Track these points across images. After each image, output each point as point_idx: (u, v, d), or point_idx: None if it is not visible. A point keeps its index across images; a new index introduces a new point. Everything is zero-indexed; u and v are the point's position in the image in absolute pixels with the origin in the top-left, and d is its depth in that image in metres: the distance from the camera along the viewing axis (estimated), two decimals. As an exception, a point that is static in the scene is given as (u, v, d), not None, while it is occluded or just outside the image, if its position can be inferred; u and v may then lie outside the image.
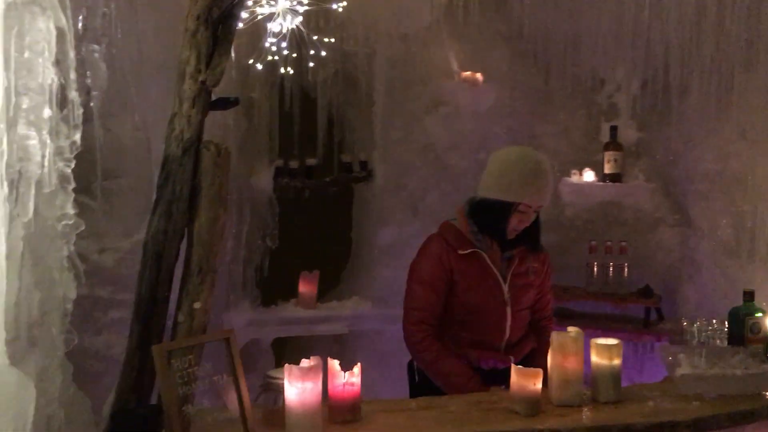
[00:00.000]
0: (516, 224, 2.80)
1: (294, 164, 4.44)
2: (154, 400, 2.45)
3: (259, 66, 3.00)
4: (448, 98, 4.54)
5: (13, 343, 1.77)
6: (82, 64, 2.10)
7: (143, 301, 2.37)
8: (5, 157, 1.69)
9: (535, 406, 2.42)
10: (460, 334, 2.87)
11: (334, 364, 2.55)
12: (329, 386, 2.45)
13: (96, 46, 2.28)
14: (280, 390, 2.53)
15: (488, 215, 2.80)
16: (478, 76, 4.51)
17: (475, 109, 4.55)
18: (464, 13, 4.37)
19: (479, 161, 4.54)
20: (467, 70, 4.50)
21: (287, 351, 4.46)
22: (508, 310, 2.88)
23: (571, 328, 2.55)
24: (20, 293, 1.84)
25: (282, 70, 3.30)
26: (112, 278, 3.37)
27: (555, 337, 2.51)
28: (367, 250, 4.69)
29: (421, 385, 2.94)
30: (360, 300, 4.58)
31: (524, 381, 2.42)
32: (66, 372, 2.11)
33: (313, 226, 4.59)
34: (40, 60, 1.76)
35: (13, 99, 1.69)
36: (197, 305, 2.39)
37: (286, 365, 2.52)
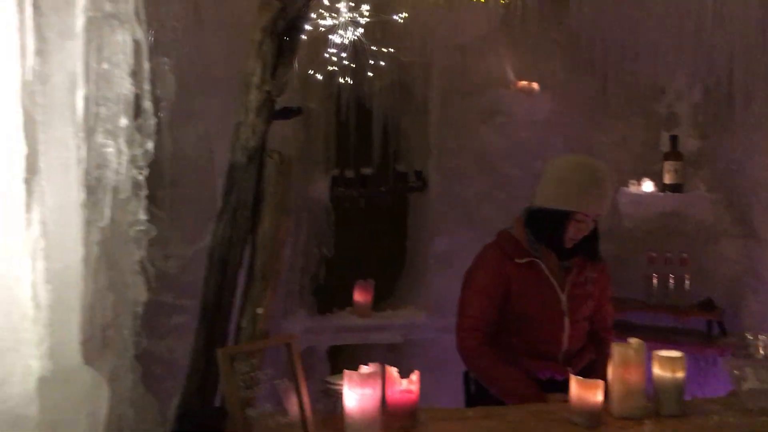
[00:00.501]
0: (573, 233, 2.77)
1: (350, 173, 4.49)
2: (216, 403, 2.50)
3: (320, 76, 3.05)
4: (504, 107, 4.53)
5: (87, 344, 1.84)
6: (152, 76, 2.17)
7: (208, 305, 2.43)
8: (84, 165, 1.76)
9: (595, 418, 2.38)
10: (517, 344, 2.85)
11: (392, 371, 2.57)
12: (387, 393, 2.46)
13: (165, 59, 2.37)
14: (338, 396, 2.56)
15: (545, 224, 2.78)
16: (534, 85, 4.49)
17: (531, 119, 4.52)
18: (520, 22, 4.35)
19: (535, 171, 4.49)
20: (523, 80, 4.48)
21: (342, 359, 4.49)
22: (566, 320, 2.85)
23: (632, 340, 2.50)
24: (95, 295, 1.91)
25: (341, 81, 3.35)
26: (175, 284, 3.47)
27: (616, 348, 2.47)
28: (421, 259, 4.70)
29: (478, 396, 2.92)
30: (414, 309, 4.58)
31: (585, 392, 2.38)
32: (135, 373, 2.18)
33: (368, 235, 4.63)
34: (117, 71, 1.84)
35: (93, 108, 1.77)
36: (260, 310, 2.44)
37: (346, 371, 2.55)
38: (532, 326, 2.84)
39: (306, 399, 2.41)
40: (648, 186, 4.59)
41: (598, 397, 2.36)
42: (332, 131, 4.47)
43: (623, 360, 2.44)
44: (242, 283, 2.52)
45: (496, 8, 4.14)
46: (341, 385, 2.57)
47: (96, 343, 1.93)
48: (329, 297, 4.59)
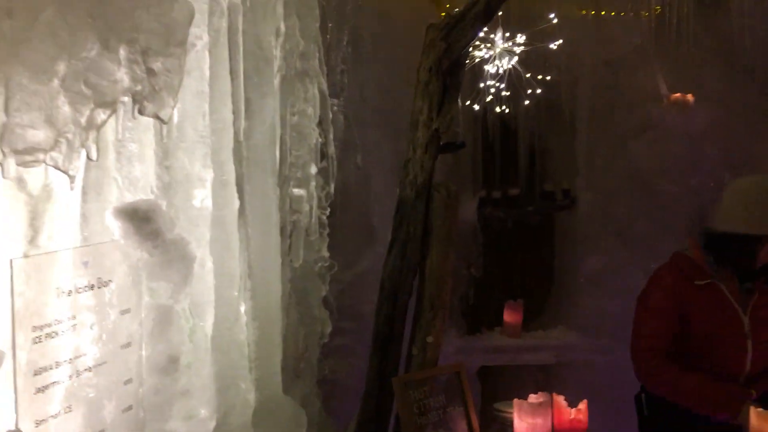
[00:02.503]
0: (764, 257, 2.66)
1: (497, 194, 4.51)
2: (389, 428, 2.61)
3: (476, 107, 3.11)
4: (656, 122, 4.38)
5: (283, 375, 1.99)
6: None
7: (381, 334, 2.54)
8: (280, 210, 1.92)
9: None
10: (697, 366, 2.77)
11: (561, 399, 2.57)
12: (555, 421, 2.46)
13: (335, 100, 2.51)
14: (506, 423, 2.59)
15: (733, 249, 2.68)
16: (689, 97, 4.32)
17: (686, 132, 4.34)
18: (671, 32, 4.21)
19: (691, 186, 4.33)
20: (677, 92, 4.32)
21: (491, 379, 4.50)
22: (749, 343, 2.73)
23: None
24: (288, 329, 2.07)
25: (497, 109, 3.40)
26: (336, 307, 3.63)
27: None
28: (571, 278, 4.63)
29: (652, 419, 2.85)
30: (565, 329, 4.51)
31: (765, 426, 2.28)
32: (319, 399, 2.32)
33: (516, 255, 4.62)
34: (307, 122, 1.98)
35: (288, 159, 1.93)
36: (430, 339, 2.52)
37: (516, 400, 2.58)
38: (713, 349, 2.74)
39: (476, 426, 2.47)
40: (819, 198, 4.27)
41: (780, 430, 2.25)
42: (479, 153, 4.51)
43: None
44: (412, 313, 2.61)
45: (647, 21, 4.03)
46: (510, 412, 2.61)
47: (289, 373, 2.08)
48: (478, 317, 4.61)
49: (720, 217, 2.68)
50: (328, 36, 2.63)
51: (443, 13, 4.17)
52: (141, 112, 1.22)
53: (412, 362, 2.55)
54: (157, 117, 1.22)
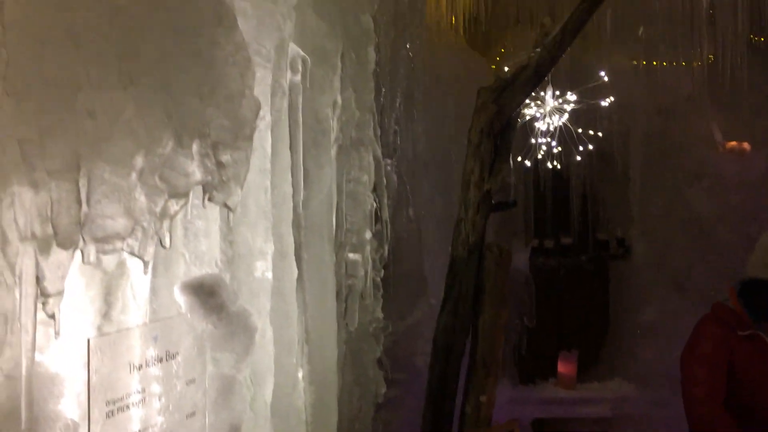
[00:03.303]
0: None
1: (549, 244, 4.49)
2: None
3: (528, 163, 3.14)
4: (711, 169, 4.33)
5: (338, 435, 2.01)
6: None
7: (434, 391, 2.56)
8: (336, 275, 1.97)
9: None
10: (739, 419, 2.69)
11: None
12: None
13: (389, 160, 2.58)
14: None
15: (764, 296, 2.64)
16: (745, 144, 4.26)
17: (743, 179, 4.27)
18: (724, 80, 4.17)
19: (750, 235, 4.24)
20: (732, 139, 4.27)
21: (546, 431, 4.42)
22: None
23: None
24: (343, 390, 2.10)
25: (549, 165, 3.42)
26: (389, 359, 3.64)
27: None
28: (627, 328, 4.55)
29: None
30: (622, 381, 4.42)
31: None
32: (374, 458, 2.34)
33: (569, 304, 4.56)
34: (362, 189, 2.04)
35: (344, 225, 1.99)
36: (483, 399, 2.52)
37: (571, 461, 2.55)
38: (754, 399, 2.68)
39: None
40: None
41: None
42: (530, 203, 4.51)
43: None
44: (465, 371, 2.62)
45: (699, 69, 4.02)
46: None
47: (344, 433, 2.11)
48: (531, 367, 4.55)
49: (753, 264, 2.65)
50: (381, 99, 2.71)
51: (493, 66, 4.25)
52: (210, 200, 1.30)
53: (465, 421, 2.55)
54: (225, 205, 1.30)
